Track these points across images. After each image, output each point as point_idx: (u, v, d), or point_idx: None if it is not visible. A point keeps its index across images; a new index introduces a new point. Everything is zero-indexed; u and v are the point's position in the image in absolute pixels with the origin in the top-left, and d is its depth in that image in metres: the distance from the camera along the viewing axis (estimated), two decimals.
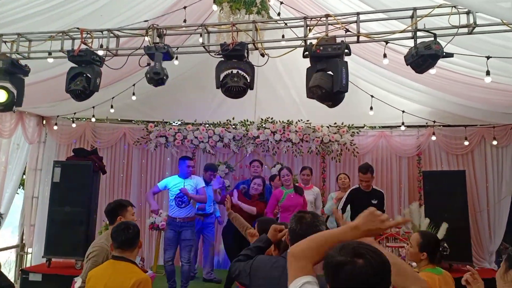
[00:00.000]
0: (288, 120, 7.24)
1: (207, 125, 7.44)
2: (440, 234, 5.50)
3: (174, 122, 7.68)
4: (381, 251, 1.36)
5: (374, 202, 5.18)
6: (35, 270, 5.73)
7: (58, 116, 7.33)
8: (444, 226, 5.55)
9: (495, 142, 6.60)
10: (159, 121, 7.55)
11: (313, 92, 3.66)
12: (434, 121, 6.77)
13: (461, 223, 5.91)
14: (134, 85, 6.37)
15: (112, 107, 6.74)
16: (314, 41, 3.67)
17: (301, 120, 7.17)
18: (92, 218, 6.03)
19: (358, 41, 3.85)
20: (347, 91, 3.57)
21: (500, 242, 6.61)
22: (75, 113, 7.31)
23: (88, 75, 4.10)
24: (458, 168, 6.73)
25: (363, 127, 7.27)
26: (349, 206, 5.37)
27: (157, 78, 3.92)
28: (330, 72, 3.58)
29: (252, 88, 4.01)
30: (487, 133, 6.70)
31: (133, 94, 6.40)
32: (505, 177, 6.63)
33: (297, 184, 5.79)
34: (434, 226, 5.57)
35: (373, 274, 1.26)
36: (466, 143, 6.72)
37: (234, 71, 3.91)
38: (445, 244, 4.64)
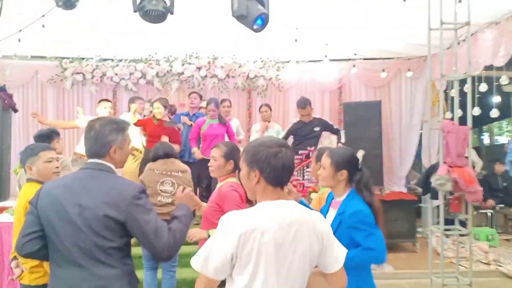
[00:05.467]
0: (213, 55, 7.08)
1: (127, 61, 7.07)
2: None
3: (91, 58, 7.18)
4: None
5: (316, 129, 5.63)
6: None
7: None
8: (360, 153, 5.91)
9: (410, 74, 7.01)
10: (75, 57, 7.04)
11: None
12: (355, 54, 6.99)
13: (375, 151, 6.37)
14: (43, 15, 5.79)
15: (19, 41, 6.11)
16: None
17: (227, 55, 7.05)
18: (6, 158, 5.62)
19: None
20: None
21: (408, 169, 7.23)
22: None
23: None
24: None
25: (288, 62, 7.32)
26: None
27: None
28: None
29: (172, 13, 3.83)
30: (403, 65, 7.08)
31: (43, 26, 5.83)
32: (417, 107, 7.12)
33: None
34: None
35: (292, 158, 1.71)
36: (384, 75, 7.07)
37: None
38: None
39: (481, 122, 11.90)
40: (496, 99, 8.63)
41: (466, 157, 3.77)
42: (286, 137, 5.74)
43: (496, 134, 14.15)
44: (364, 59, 7.18)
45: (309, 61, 7.39)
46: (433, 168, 4.25)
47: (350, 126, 6.62)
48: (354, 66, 7.09)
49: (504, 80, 5.49)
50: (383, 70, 7.07)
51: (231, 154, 2.83)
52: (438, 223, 4.44)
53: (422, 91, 7.05)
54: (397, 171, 7.18)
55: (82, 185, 1.91)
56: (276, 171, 1.65)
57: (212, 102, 5.58)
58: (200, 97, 6.45)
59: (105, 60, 7.06)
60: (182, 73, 7.04)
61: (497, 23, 5.11)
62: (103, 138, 1.99)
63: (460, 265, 5.39)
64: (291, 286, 1.57)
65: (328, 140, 6.62)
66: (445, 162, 3.71)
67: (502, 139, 13.65)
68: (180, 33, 6.41)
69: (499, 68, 5.47)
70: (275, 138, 1.80)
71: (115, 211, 1.84)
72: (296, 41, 6.44)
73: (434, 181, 3.58)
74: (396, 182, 7.12)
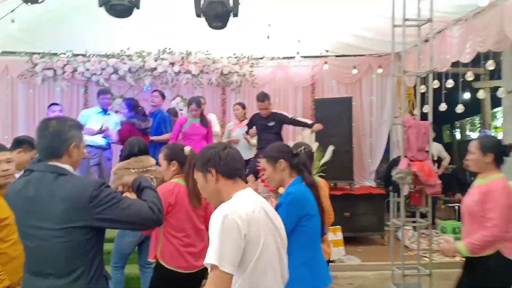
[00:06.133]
0: (187, 51, 7.08)
1: (99, 56, 7.00)
2: (327, 156, 5.99)
3: (63, 54, 7.08)
4: None
5: (271, 124, 5.53)
6: None
7: None
8: (330, 149, 6.04)
9: (380, 71, 7.14)
10: (46, 52, 6.94)
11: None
12: (327, 50, 7.08)
13: (345, 146, 6.46)
14: (13, 10, 5.69)
15: None
16: None
17: (201, 51, 7.06)
18: None
19: None
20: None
21: (378, 163, 7.36)
22: None
23: None
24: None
25: (262, 58, 7.36)
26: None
27: None
28: None
29: (138, 7, 3.84)
30: (373, 62, 7.20)
31: (12, 21, 5.74)
32: (387, 103, 7.26)
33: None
34: (322, 150, 6.04)
35: (239, 152, 1.82)
36: (355, 71, 7.17)
37: None
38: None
39: (453, 118, 12.16)
40: (467, 95, 8.91)
41: (427, 151, 3.88)
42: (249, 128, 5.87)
43: (469, 130, 14.49)
44: (336, 56, 7.28)
45: (283, 57, 7.44)
46: (395, 162, 4.36)
47: (321, 122, 6.66)
48: (326, 63, 7.18)
49: (469, 76, 5.62)
50: (354, 67, 7.17)
51: (172, 154, 2.86)
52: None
53: (392, 87, 7.18)
54: (367, 166, 7.31)
55: (36, 202, 1.81)
56: (229, 162, 1.75)
57: (193, 102, 5.57)
58: (162, 96, 6.25)
59: (77, 55, 6.98)
60: (155, 68, 7.01)
61: (463, 20, 5.22)
62: (63, 134, 1.88)
63: (425, 256, 5.55)
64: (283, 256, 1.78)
65: (300, 136, 6.70)
66: (406, 156, 3.81)
67: (474, 135, 14.01)
68: (153, 28, 6.39)
69: (466, 65, 5.62)
70: (217, 142, 1.96)
71: (76, 222, 1.78)
72: (268, 37, 6.50)
73: (395, 174, 3.68)
74: (366, 177, 7.25)
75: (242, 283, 1.62)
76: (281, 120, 5.64)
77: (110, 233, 2.48)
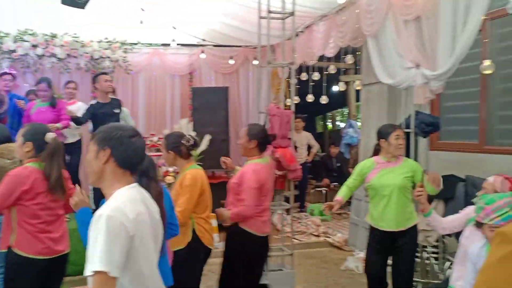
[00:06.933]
0: (51, 33, 6.49)
1: None
2: (203, 145, 6.01)
3: None
4: None
5: (117, 111, 5.12)
6: None
7: None
8: (206, 138, 6.07)
9: (256, 62, 7.35)
10: None
11: None
12: (204, 39, 7.07)
13: (222, 135, 6.57)
14: None
15: None
16: None
17: (68, 33, 6.54)
18: None
19: None
20: None
21: None
22: None
23: None
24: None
25: (136, 44, 7.08)
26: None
27: None
28: None
29: None
30: (250, 53, 7.39)
31: None
32: (263, 94, 7.51)
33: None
34: (200, 139, 6.04)
35: (144, 147, 1.71)
36: (232, 62, 7.29)
37: None
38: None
39: (326, 109, 13.10)
40: (336, 88, 9.67)
41: (289, 139, 4.09)
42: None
43: (340, 121, 15.77)
44: (214, 45, 7.31)
45: (162, 44, 7.25)
46: None
47: (199, 111, 6.71)
48: (203, 52, 7.18)
49: (332, 69, 6.08)
50: (231, 58, 7.29)
51: (29, 135, 2.64)
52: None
53: (267, 78, 7.45)
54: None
55: None
56: (128, 152, 1.61)
57: (43, 81, 4.98)
58: (14, 77, 5.63)
59: None
60: (15, 50, 6.32)
61: (328, 16, 5.58)
62: None
63: (294, 238, 5.91)
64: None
65: (178, 125, 6.62)
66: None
67: (343, 125, 15.26)
68: (13, 6, 5.74)
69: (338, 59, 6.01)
70: (129, 125, 1.82)
71: None
72: (141, 22, 6.27)
73: None
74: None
75: (126, 284, 1.51)
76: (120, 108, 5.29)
77: None
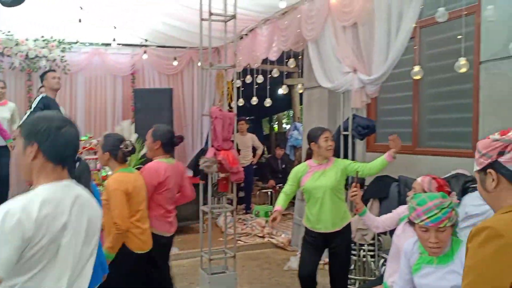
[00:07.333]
0: None
1: None
2: (145, 148, 5.88)
3: None
4: None
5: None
6: None
7: None
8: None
9: (200, 64, 7.28)
10: None
11: None
12: (147, 40, 6.93)
13: None
14: None
15: None
16: None
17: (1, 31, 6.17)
18: None
19: None
20: None
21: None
22: None
23: None
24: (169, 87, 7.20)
25: (75, 43, 6.80)
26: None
27: None
28: None
29: None
30: (194, 55, 7.32)
31: None
32: (208, 95, 7.48)
33: None
34: (142, 141, 5.90)
35: (77, 135, 1.57)
36: (176, 63, 7.20)
37: None
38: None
39: (273, 112, 13.26)
40: (281, 91, 9.79)
41: (232, 141, 4.10)
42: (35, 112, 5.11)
43: (285, 123, 16.03)
44: (157, 46, 7.18)
45: (103, 44, 7.02)
46: (203, 152, 4.50)
47: (141, 113, 6.57)
48: (145, 52, 7.03)
49: (275, 73, 6.16)
50: (175, 59, 7.19)
51: None
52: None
53: (211, 80, 7.43)
54: (188, 156, 7.44)
55: None
56: (58, 146, 1.48)
57: None
58: None
59: None
60: None
61: (271, 20, 5.65)
62: None
63: (239, 240, 5.93)
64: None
65: (119, 127, 6.44)
66: (212, 146, 3.96)
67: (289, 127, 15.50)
68: None
69: (281, 62, 6.09)
70: (58, 114, 1.62)
71: None
72: (80, 21, 6.04)
73: (202, 163, 3.79)
74: (186, 168, 7.38)
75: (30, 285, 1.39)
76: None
77: None
